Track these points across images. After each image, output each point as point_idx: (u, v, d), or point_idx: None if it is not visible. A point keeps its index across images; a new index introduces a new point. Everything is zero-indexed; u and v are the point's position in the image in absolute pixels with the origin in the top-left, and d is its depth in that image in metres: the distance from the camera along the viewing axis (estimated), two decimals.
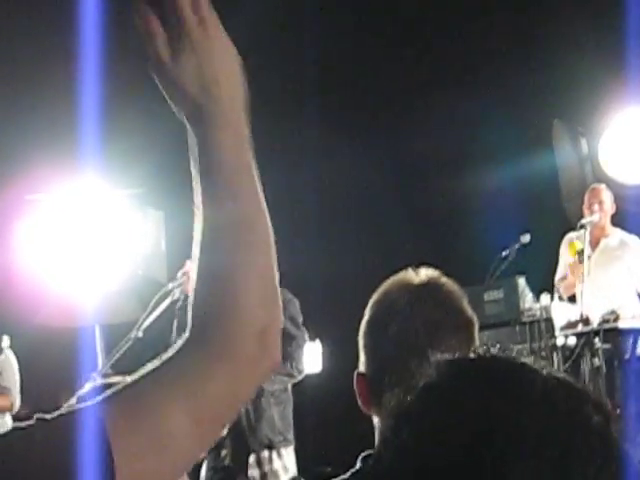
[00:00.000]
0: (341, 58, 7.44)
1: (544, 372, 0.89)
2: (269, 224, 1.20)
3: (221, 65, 1.19)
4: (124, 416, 1.05)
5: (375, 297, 1.85)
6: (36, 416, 1.04)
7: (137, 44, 1.18)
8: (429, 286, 1.82)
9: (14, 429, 1.03)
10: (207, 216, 1.18)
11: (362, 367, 1.82)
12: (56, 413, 1.05)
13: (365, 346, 1.83)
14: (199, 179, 1.19)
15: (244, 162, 1.19)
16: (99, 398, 1.07)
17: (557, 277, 6.85)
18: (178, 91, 1.19)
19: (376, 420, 1.80)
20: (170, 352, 1.11)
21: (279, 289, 1.18)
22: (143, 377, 1.09)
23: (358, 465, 1.74)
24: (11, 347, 6.96)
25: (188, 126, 1.20)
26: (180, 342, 1.12)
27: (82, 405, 1.06)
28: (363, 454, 1.74)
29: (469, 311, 1.83)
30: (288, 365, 5.28)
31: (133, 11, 1.18)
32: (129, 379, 1.09)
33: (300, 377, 5.48)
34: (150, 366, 1.10)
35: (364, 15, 7.48)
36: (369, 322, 1.83)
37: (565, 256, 6.86)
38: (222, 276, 1.15)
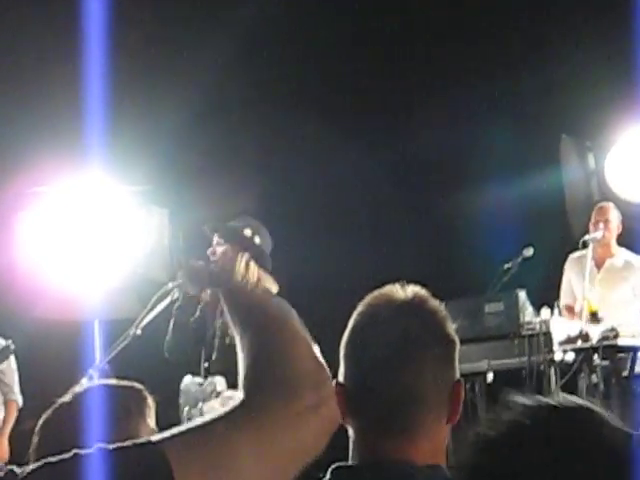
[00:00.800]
0: (342, 58, 7.44)
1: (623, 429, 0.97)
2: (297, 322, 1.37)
3: None
4: (188, 446, 1.12)
5: (359, 308, 1.84)
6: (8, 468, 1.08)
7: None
8: (413, 302, 1.81)
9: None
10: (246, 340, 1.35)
11: (340, 377, 1.81)
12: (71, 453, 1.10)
13: (345, 355, 1.82)
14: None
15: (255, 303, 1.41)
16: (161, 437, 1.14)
17: (563, 301, 6.87)
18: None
19: (351, 431, 1.78)
20: (227, 409, 1.22)
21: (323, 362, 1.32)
22: (207, 423, 1.18)
23: (328, 476, 1.71)
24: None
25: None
26: (236, 404, 1.23)
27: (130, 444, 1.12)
28: (334, 465, 1.72)
29: (450, 331, 1.82)
30: None
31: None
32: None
33: None
34: (210, 416, 1.20)
35: (365, 15, 7.48)
36: (350, 332, 1.83)
37: (569, 278, 6.87)
38: (270, 352, 1.31)
